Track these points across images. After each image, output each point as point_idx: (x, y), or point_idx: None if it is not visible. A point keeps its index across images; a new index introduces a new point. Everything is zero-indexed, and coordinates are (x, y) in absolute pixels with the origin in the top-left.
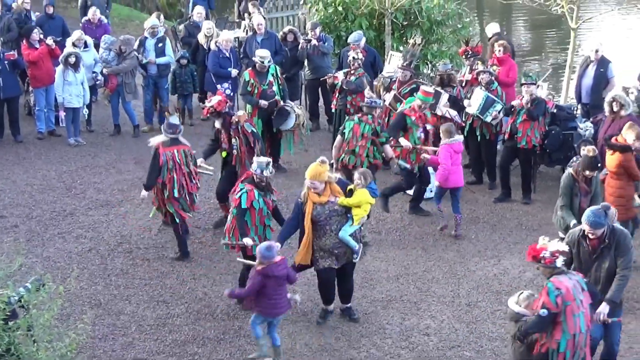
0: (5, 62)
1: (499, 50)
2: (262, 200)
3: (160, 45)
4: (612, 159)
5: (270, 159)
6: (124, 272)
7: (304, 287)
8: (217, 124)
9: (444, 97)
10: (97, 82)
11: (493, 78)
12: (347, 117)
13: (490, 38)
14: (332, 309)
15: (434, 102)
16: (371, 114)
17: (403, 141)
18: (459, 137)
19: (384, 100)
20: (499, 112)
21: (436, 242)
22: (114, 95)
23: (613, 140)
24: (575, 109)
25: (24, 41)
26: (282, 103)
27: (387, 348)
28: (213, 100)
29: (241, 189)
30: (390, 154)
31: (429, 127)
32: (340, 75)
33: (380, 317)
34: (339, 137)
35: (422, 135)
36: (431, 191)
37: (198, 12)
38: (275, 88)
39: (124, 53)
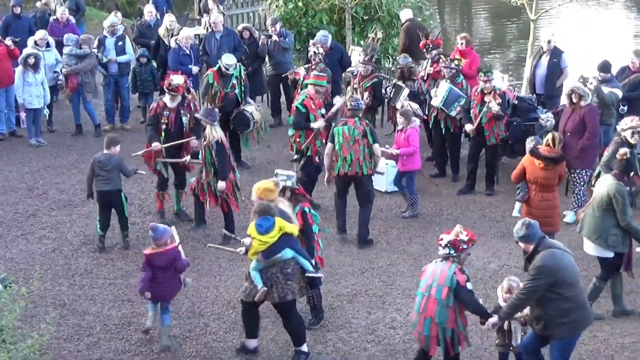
0: None
1: (462, 43)
2: None
3: (120, 43)
4: (545, 172)
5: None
6: (88, 272)
7: None
8: (172, 103)
9: (405, 91)
10: (59, 82)
11: (458, 71)
12: (333, 124)
13: (403, 24)
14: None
15: (392, 95)
16: (357, 116)
17: (316, 123)
18: (417, 120)
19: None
20: (464, 105)
21: (400, 235)
22: (75, 95)
23: (542, 151)
24: (535, 100)
25: None
26: (241, 105)
27: (354, 342)
28: (178, 78)
29: None
30: (379, 152)
31: (324, 111)
32: (301, 70)
33: (346, 311)
34: (329, 145)
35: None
36: (393, 185)
37: (149, 11)
38: (237, 90)
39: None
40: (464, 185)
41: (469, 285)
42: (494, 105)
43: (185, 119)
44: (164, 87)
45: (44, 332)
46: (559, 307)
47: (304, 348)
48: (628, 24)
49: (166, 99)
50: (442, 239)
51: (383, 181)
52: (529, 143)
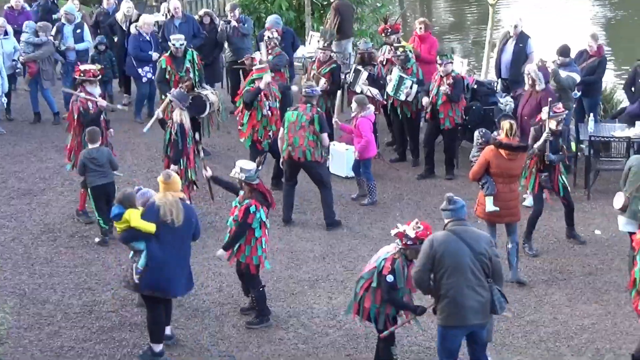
0: None
1: (420, 28)
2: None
3: (78, 31)
4: (512, 162)
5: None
6: (48, 261)
7: (229, 269)
8: (95, 90)
9: (363, 74)
10: (17, 71)
11: (409, 56)
12: (287, 109)
13: (333, 2)
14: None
15: (352, 80)
16: (310, 102)
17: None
18: (372, 107)
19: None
20: (410, 88)
21: (361, 220)
22: (32, 82)
23: (506, 139)
24: (495, 84)
25: None
26: (197, 90)
27: (315, 327)
28: (90, 65)
29: None
30: (326, 143)
31: (272, 104)
32: (257, 56)
33: (308, 296)
34: (281, 129)
35: (269, 113)
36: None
37: (107, 2)
38: (192, 74)
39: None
40: (423, 169)
41: (389, 278)
42: (444, 87)
43: (104, 105)
44: (89, 77)
45: (3, 321)
46: (436, 290)
47: (156, 347)
48: (585, 8)
49: (89, 88)
50: (395, 228)
51: (343, 167)
52: (478, 138)
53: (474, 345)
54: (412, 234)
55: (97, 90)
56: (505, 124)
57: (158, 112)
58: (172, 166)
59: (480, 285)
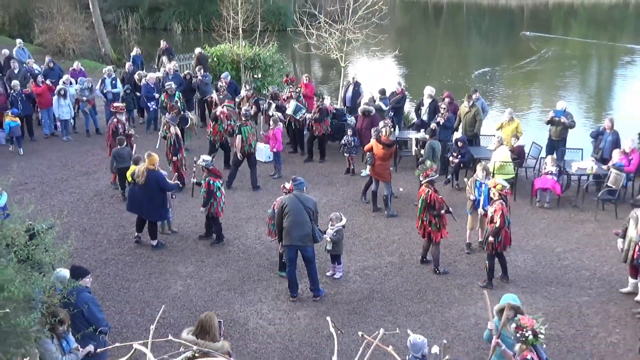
0: (23, 94)
1: (306, 78)
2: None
3: (113, 82)
4: (384, 152)
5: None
6: (98, 211)
7: (202, 215)
8: (122, 117)
9: (273, 106)
10: (82, 103)
11: (299, 94)
12: (239, 124)
13: (196, 55)
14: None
15: (266, 108)
16: (249, 119)
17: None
18: (280, 123)
19: (242, 108)
20: (304, 114)
21: (273, 186)
22: (91, 109)
23: (384, 139)
24: (345, 109)
25: (33, 82)
26: (182, 113)
27: (249, 244)
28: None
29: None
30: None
31: (232, 123)
32: (214, 95)
33: (244, 228)
34: (239, 137)
35: (228, 127)
36: (270, 158)
37: (129, 65)
38: (179, 104)
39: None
40: (306, 157)
41: (270, 211)
42: (316, 114)
43: (127, 125)
44: (118, 110)
45: (71, 243)
46: (281, 227)
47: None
48: (396, 65)
49: (120, 116)
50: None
51: (263, 156)
52: (374, 132)
53: (304, 259)
54: (287, 186)
55: (123, 117)
56: (384, 129)
57: (160, 134)
58: (173, 157)
59: (304, 224)
